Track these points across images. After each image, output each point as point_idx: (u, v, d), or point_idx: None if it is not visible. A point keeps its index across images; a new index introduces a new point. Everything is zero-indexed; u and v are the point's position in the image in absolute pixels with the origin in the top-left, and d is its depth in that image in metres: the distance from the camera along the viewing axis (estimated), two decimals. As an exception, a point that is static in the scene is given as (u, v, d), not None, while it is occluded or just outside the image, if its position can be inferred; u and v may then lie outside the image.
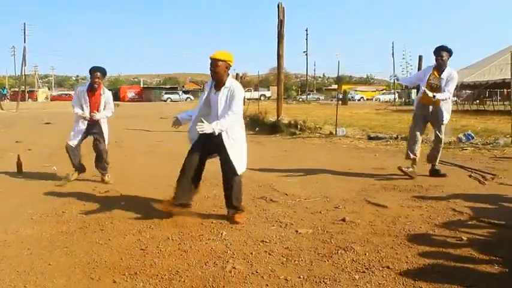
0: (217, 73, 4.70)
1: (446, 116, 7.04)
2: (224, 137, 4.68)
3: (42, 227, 4.63)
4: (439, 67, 6.91)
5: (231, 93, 4.67)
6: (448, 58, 6.90)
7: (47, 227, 4.64)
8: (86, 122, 6.76)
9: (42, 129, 17.24)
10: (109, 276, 3.45)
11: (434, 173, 7.21)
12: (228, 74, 4.79)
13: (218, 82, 4.77)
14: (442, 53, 6.84)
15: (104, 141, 6.90)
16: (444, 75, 6.86)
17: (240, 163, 4.78)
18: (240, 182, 4.90)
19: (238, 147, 4.79)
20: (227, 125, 4.61)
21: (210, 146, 4.81)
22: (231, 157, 4.70)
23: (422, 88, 6.80)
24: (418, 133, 7.15)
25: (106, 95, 6.86)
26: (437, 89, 6.83)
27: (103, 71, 6.76)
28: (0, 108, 35.32)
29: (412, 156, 7.10)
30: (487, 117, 19.75)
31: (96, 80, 6.65)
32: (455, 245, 4.00)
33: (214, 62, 4.67)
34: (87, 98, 6.72)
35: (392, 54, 68.35)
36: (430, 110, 7.01)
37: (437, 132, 7.11)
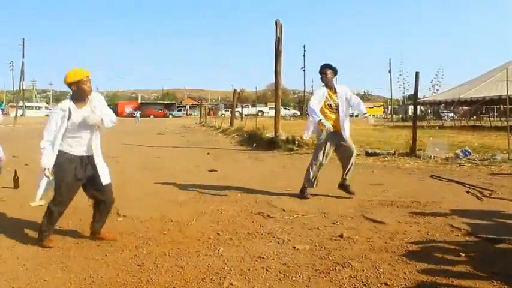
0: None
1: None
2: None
3: (37, 243, 4.60)
4: (327, 85, 6.78)
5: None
6: (333, 76, 6.82)
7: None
8: None
9: (39, 144, 17.16)
10: (105, 292, 3.42)
11: (344, 187, 6.92)
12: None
13: None
14: (326, 70, 6.72)
15: None
16: (339, 91, 6.78)
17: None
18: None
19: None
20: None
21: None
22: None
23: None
24: (324, 161, 6.83)
25: None
26: (337, 108, 6.72)
27: None
28: (-3, 123, 35.32)
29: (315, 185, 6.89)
30: (484, 133, 19.83)
31: None
32: (454, 261, 3.98)
33: None
34: None
35: (390, 70, 68.87)
36: (339, 134, 6.74)
37: (350, 145, 6.83)
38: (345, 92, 6.83)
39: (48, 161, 4.48)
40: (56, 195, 4.54)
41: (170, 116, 74.16)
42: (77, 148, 4.52)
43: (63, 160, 4.48)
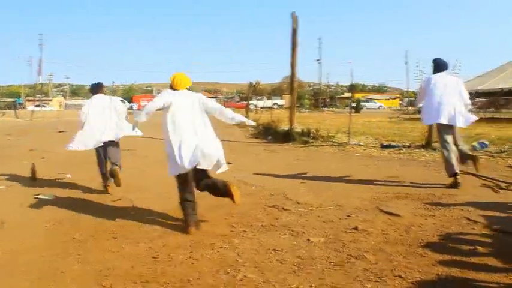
0: None
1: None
2: None
3: (55, 235, 4.67)
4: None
5: None
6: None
7: (60, 235, 4.67)
8: None
9: (55, 138, 17.35)
10: (121, 284, 3.46)
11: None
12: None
13: None
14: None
15: None
16: None
17: None
18: None
19: None
20: None
21: None
22: None
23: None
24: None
25: None
26: None
27: None
28: (15, 116, 35.91)
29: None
30: (502, 125, 19.58)
31: None
32: (470, 255, 3.95)
33: None
34: None
35: (406, 62, 68.17)
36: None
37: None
38: None
39: None
40: None
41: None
42: None
43: None
